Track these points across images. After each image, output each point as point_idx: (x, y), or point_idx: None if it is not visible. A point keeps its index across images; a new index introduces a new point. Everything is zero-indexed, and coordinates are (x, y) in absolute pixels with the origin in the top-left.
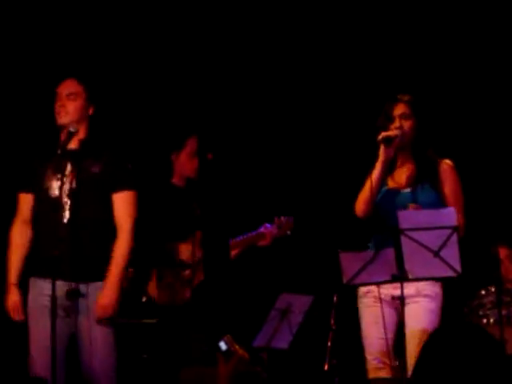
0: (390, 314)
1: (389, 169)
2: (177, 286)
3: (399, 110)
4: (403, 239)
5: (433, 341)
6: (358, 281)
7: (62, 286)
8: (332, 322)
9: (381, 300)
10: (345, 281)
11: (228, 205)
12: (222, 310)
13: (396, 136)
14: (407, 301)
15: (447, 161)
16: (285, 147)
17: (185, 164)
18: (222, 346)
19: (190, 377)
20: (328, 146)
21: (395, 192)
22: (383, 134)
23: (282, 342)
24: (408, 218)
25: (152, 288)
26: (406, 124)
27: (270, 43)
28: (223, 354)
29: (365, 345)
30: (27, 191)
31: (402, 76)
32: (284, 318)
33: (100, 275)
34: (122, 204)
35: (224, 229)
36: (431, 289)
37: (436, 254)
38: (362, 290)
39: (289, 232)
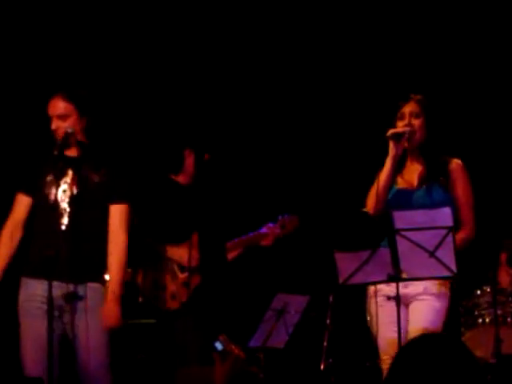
0: (402, 312)
1: (398, 168)
2: (173, 288)
3: (410, 107)
4: (399, 239)
5: (404, 352)
6: (353, 281)
7: (57, 287)
8: (328, 321)
9: (397, 298)
10: (341, 281)
11: (226, 205)
12: (218, 309)
13: (404, 132)
14: (413, 298)
15: (457, 160)
16: (287, 146)
17: (193, 162)
18: (218, 346)
19: (187, 377)
20: (329, 143)
21: (407, 191)
22: (391, 130)
23: (278, 342)
24: (403, 217)
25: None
26: (416, 122)
27: (272, 42)
28: (219, 354)
29: (380, 345)
30: (26, 193)
31: (411, 75)
32: (280, 318)
33: (96, 277)
34: (118, 216)
35: (221, 229)
36: (438, 288)
37: (431, 254)
38: (372, 289)
39: (293, 231)
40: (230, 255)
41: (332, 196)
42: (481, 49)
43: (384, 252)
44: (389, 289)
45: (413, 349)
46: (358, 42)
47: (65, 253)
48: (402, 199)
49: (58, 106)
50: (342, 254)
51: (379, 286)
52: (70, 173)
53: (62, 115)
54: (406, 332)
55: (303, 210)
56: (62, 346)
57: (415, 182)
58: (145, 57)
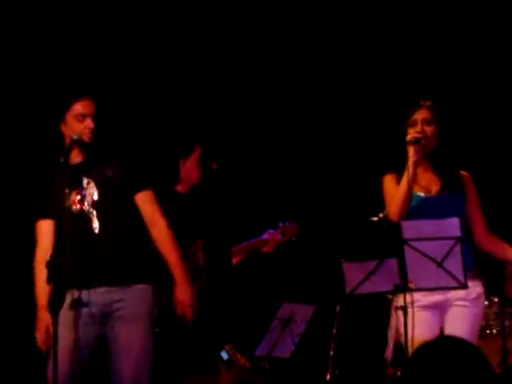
0: (436, 319)
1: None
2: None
3: (422, 114)
4: (406, 249)
5: (418, 356)
6: (360, 291)
7: (102, 293)
8: (334, 331)
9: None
10: (347, 290)
11: (231, 212)
12: (223, 318)
13: (422, 138)
14: (453, 304)
15: (465, 172)
16: (288, 154)
17: (191, 171)
18: (224, 355)
19: None
20: (331, 152)
21: (431, 198)
22: (410, 135)
23: (284, 352)
24: (411, 227)
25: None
26: (429, 129)
27: (276, 53)
28: (225, 363)
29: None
30: (45, 217)
31: (414, 80)
32: (286, 328)
33: (136, 278)
34: (149, 203)
35: (226, 237)
36: (478, 290)
37: (439, 264)
38: (399, 301)
39: (294, 238)
40: (233, 262)
41: (340, 205)
42: (482, 53)
43: (391, 262)
44: (425, 298)
45: (427, 352)
46: (360, 49)
47: (103, 255)
48: (426, 206)
49: (92, 105)
50: (350, 264)
51: (415, 297)
52: (84, 178)
53: (93, 115)
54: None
55: (310, 219)
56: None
57: (434, 189)
58: (142, 67)
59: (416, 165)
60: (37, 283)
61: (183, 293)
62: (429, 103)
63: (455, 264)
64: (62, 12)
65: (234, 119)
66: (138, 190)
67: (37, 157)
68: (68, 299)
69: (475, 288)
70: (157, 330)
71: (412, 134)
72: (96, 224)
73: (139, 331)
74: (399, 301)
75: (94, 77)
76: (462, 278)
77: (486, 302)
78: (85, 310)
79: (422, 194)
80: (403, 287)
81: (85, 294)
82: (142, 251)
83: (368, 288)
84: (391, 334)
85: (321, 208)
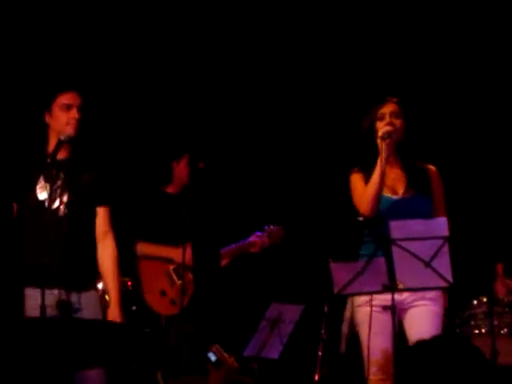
0: (390, 323)
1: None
2: (172, 294)
3: (389, 108)
4: (394, 249)
5: (411, 355)
6: (348, 291)
7: (55, 295)
8: (323, 331)
9: (392, 308)
10: (335, 291)
11: (218, 213)
12: (211, 319)
13: (392, 131)
14: (410, 305)
15: (432, 166)
16: (274, 156)
17: (183, 172)
18: (211, 356)
19: None
20: (315, 153)
21: (396, 200)
22: (382, 130)
23: (273, 352)
24: (399, 227)
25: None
26: (397, 122)
27: (263, 56)
28: (213, 364)
29: (371, 356)
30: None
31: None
32: (274, 328)
33: (91, 285)
34: (106, 219)
35: (214, 238)
36: (435, 291)
37: (427, 264)
38: (360, 298)
39: (279, 241)
40: (221, 263)
41: (327, 205)
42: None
43: (379, 262)
44: (383, 297)
45: (422, 350)
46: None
47: (62, 257)
48: (393, 208)
49: (78, 97)
50: (337, 264)
51: (374, 295)
52: (62, 176)
53: (79, 106)
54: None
55: (297, 219)
56: None
57: (400, 189)
58: (136, 68)
59: (387, 160)
60: None
61: (115, 314)
62: (395, 99)
63: (443, 263)
64: (56, 8)
65: (224, 123)
66: (102, 203)
67: (19, 145)
68: (30, 298)
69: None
70: (145, 330)
71: (382, 128)
72: (63, 224)
73: None
74: (361, 298)
75: (88, 76)
76: (449, 278)
77: (475, 302)
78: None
79: (389, 195)
80: (391, 287)
81: (47, 295)
82: (94, 260)
83: (356, 288)
84: (344, 328)
85: (308, 208)
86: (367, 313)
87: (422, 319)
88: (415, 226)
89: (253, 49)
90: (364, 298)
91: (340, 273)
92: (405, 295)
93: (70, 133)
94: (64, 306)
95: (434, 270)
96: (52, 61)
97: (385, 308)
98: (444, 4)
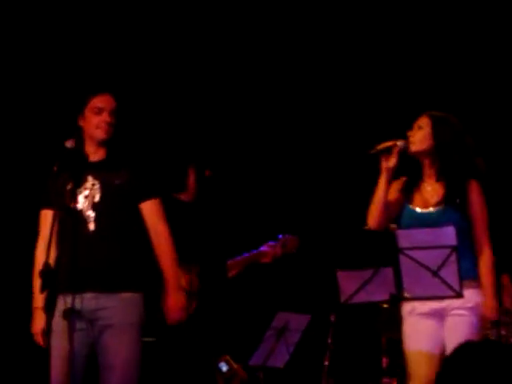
0: (439, 327)
1: (414, 183)
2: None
3: (419, 120)
4: (402, 258)
5: (447, 367)
6: (355, 300)
7: (88, 299)
8: (329, 341)
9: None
10: (342, 300)
11: (231, 223)
12: (218, 328)
13: (391, 146)
14: (450, 313)
15: (475, 181)
16: (288, 164)
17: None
18: (223, 367)
19: None
20: (330, 162)
21: (421, 214)
22: (377, 147)
23: (279, 361)
24: (407, 236)
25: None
26: (418, 134)
27: (274, 63)
28: (224, 375)
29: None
30: (49, 207)
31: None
32: (281, 337)
33: (126, 285)
34: (153, 212)
35: (222, 247)
36: (475, 299)
37: (434, 273)
38: (406, 309)
39: (294, 251)
40: (231, 273)
41: (334, 214)
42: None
43: (387, 271)
44: (422, 306)
45: (461, 357)
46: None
47: (94, 260)
48: (414, 221)
49: (111, 100)
50: (344, 273)
51: (415, 305)
52: (90, 178)
53: (113, 110)
54: (442, 347)
55: (305, 229)
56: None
57: (431, 202)
58: (143, 75)
59: (386, 173)
60: (35, 279)
61: (172, 303)
62: (431, 111)
63: (451, 273)
64: (58, 12)
65: (237, 132)
66: (144, 200)
67: (53, 148)
68: (60, 304)
69: (473, 297)
70: (153, 339)
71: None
72: (92, 226)
73: (125, 341)
74: (406, 309)
75: (114, 78)
76: (457, 288)
77: None
78: (77, 316)
79: (414, 208)
80: (398, 296)
81: (76, 300)
82: (135, 260)
83: (363, 297)
84: None
85: (314, 218)
86: (410, 322)
87: (456, 330)
88: (423, 235)
89: (262, 56)
90: (406, 310)
91: (347, 282)
92: (446, 302)
93: (100, 136)
94: (69, 313)
95: (442, 280)
96: (83, 64)
97: (425, 315)
98: (444, 4)
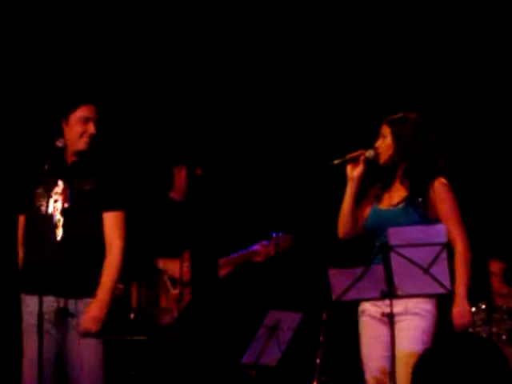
0: (386, 333)
1: (386, 186)
2: (166, 304)
3: (382, 129)
4: (392, 255)
5: (423, 362)
6: (347, 297)
7: (50, 302)
8: (321, 338)
9: (390, 316)
10: (334, 297)
11: (220, 221)
12: (210, 327)
13: (358, 155)
14: (396, 319)
15: (442, 179)
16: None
17: (185, 178)
18: None
19: None
20: (322, 162)
21: (383, 211)
22: (346, 156)
23: (271, 359)
24: (398, 234)
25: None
26: (383, 143)
27: (265, 62)
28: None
29: (364, 365)
30: (24, 213)
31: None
32: (273, 335)
33: (90, 292)
34: (113, 224)
35: (212, 246)
36: (421, 307)
37: (425, 270)
38: (360, 308)
39: (287, 249)
40: (223, 272)
41: (326, 212)
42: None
43: (378, 268)
44: (374, 309)
45: (439, 350)
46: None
47: (58, 265)
48: (377, 219)
49: (94, 111)
50: (336, 271)
51: (366, 306)
52: (60, 183)
53: (95, 120)
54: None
55: (297, 227)
56: (60, 363)
57: (395, 200)
58: (134, 74)
59: (353, 182)
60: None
61: (94, 310)
62: (389, 118)
63: (441, 270)
64: (58, 12)
65: (230, 130)
66: (106, 210)
67: (33, 153)
68: (28, 306)
69: (419, 305)
70: (143, 338)
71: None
72: (59, 231)
73: (89, 345)
74: (359, 309)
75: (97, 85)
76: (448, 285)
77: (474, 309)
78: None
79: (380, 207)
80: (389, 294)
81: (39, 302)
82: (96, 268)
83: (354, 295)
84: None
85: (306, 215)
86: (363, 322)
87: (402, 334)
88: (414, 232)
89: (252, 55)
90: (360, 309)
91: (338, 279)
92: (397, 308)
93: (81, 147)
94: (62, 312)
95: (433, 277)
96: (66, 73)
97: (373, 317)
98: (444, 5)
